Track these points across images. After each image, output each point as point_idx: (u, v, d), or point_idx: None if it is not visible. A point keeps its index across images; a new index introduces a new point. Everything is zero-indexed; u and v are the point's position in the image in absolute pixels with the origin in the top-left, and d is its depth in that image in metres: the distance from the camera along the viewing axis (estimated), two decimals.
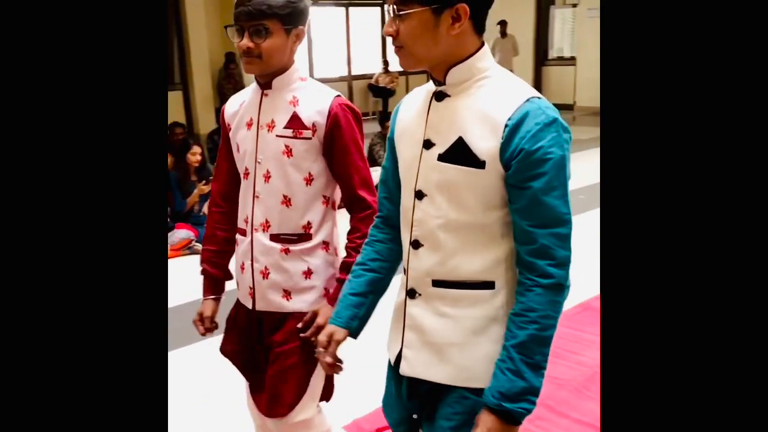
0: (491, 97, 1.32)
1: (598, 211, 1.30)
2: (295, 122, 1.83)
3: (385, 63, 12.17)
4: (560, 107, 12.23)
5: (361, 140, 1.90)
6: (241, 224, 1.97)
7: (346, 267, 1.82)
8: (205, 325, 2.05)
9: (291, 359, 1.89)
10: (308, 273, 1.92)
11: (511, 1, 11.78)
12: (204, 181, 5.52)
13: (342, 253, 1.94)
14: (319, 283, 1.92)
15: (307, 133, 1.83)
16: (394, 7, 1.32)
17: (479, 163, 1.31)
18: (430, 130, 1.39)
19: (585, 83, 11.99)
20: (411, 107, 1.48)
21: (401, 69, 1.78)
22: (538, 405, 1.33)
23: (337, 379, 3.02)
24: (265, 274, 1.91)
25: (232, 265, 2.05)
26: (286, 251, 1.89)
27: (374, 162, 6.16)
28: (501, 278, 1.39)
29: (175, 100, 9.92)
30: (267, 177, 1.86)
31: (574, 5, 12.41)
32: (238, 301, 2.06)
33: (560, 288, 1.32)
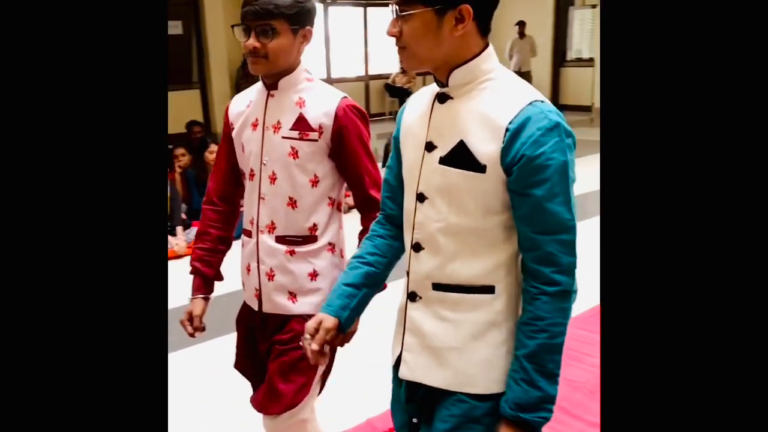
0: (493, 99, 1.31)
1: None
2: (301, 124, 1.82)
3: None
4: (578, 109, 12.17)
5: (369, 141, 1.89)
6: (246, 225, 1.96)
7: None
8: (194, 324, 1.97)
9: (293, 358, 1.88)
10: (314, 275, 1.91)
11: (529, 1, 11.71)
12: None
13: (348, 255, 1.92)
14: (325, 285, 1.91)
15: (314, 135, 1.82)
16: (397, 7, 1.30)
17: (480, 168, 1.30)
18: (433, 132, 1.38)
19: None
20: (416, 108, 1.46)
21: None
22: None
23: (351, 378, 3.04)
24: (271, 276, 1.90)
25: (238, 267, 2.03)
26: (292, 253, 1.89)
27: None
28: (501, 283, 1.37)
29: (193, 98, 9.98)
30: (273, 179, 1.85)
31: (594, 6, 12.31)
32: (245, 302, 2.05)
33: (567, 294, 1.30)
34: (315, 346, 1.44)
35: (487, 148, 1.29)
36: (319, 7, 10.65)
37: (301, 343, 1.49)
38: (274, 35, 1.75)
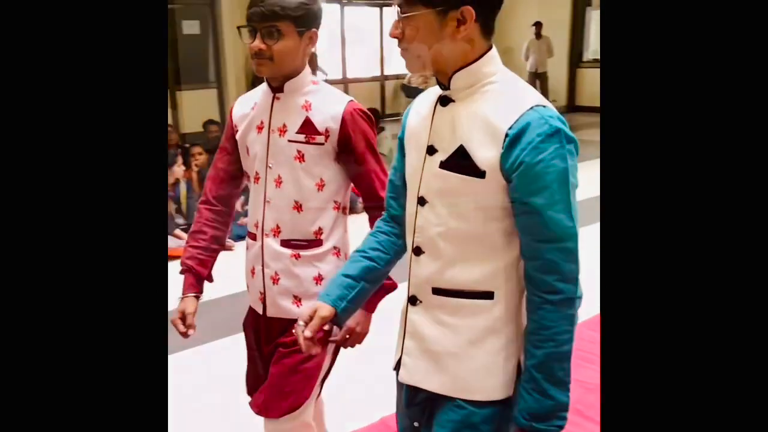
0: (494, 104, 1.29)
1: None
2: (308, 127, 1.81)
3: None
4: (594, 110, 12.08)
5: (375, 143, 1.88)
6: (251, 229, 1.96)
7: None
8: (187, 322, 1.91)
9: (296, 361, 1.86)
10: (319, 279, 1.90)
11: (546, 2, 11.63)
12: None
13: None
14: None
15: (320, 139, 1.81)
16: (399, 9, 1.29)
17: (479, 173, 1.28)
18: (434, 135, 1.36)
19: None
20: (420, 110, 1.45)
21: None
22: None
23: (365, 377, 3.03)
24: (276, 280, 1.90)
25: (237, 269, 2.01)
26: (297, 257, 1.88)
27: None
28: (500, 289, 1.36)
29: (209, 98, 10.01)
30: (278, 182, 1.85)
31: None
32: (251, 306, 2.04)
33: (570, 302, 1.29)
34: (308, 333, 1.41)
35: (486, 153, 1.27)
36: (335, 7, 10.66)
37: (294, 330, 1.45)
38: (280, 37, 1.74)
